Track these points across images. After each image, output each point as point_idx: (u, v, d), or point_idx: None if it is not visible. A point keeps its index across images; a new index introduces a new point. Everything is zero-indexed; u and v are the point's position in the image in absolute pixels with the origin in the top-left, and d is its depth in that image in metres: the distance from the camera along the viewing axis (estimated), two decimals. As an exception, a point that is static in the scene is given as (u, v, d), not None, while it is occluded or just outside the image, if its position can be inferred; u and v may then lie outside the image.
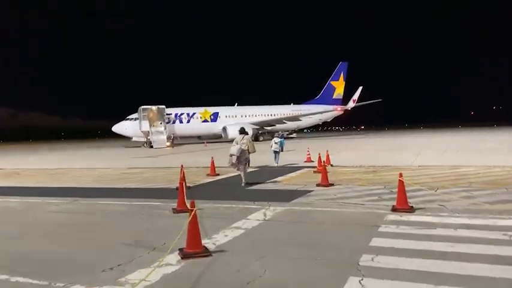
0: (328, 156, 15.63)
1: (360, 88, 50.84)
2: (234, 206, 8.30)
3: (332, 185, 10.47)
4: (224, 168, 16.05)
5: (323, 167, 10.65)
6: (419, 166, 14.26)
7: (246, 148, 11.20)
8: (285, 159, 19.85)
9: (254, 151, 11.57)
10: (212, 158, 14.45)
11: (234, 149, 11.12)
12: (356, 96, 50.62)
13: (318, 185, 10.47)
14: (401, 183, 7.27)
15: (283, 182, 11.56)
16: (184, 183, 7.71)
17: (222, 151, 30.99)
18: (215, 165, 14.75)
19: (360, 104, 50.47)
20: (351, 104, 50.39)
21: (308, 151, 18.44)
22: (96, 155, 33.38)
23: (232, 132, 42.74)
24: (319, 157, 13.68)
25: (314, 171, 13.56)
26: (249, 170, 15.13)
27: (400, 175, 7.32)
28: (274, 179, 12.30)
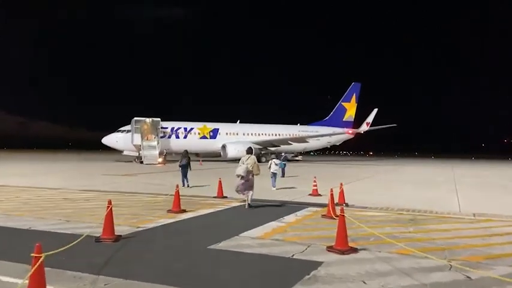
0: (342, 191, 11.37)
1: (375, 111, 46.68)
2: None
3: (354, 250, 6.17)
4: (197, 199, 11.80)
5: (341, 218, 6.32)
6: (475, 215, 9.90)
7: (251, 169, 10.40)
8: (285, 189, 15.61)
9: (258, 173, 10.74)
10: (177, 186, 10.15)
11: (240, 169, 10.31)
12: (370, 119, 46.38)
13: (330, 249, 6.19)
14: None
15: (274, 237, 7.26)
16: (40, 256, 3.52)
17: (216, 172, 26.86)
18: (186, 196, 10.60)
19: (373, 128, 46.20)
20: (364, 127, 46.07)
21: (314, 181, 14.17)
22: (72, 169, 29.30)
23: (232, 151, 38.79)
24: (331, 197, 9.32)
25: (323, 216, 9.27)
26: (234, 204, 11.09)
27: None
28: (262, 226, 8.04)
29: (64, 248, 4.93)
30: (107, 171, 25.03)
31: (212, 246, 6.35)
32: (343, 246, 6.14)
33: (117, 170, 26.27)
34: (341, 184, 11.77)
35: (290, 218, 9.06)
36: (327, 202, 9.51)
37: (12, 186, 14.95)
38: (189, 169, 16.25)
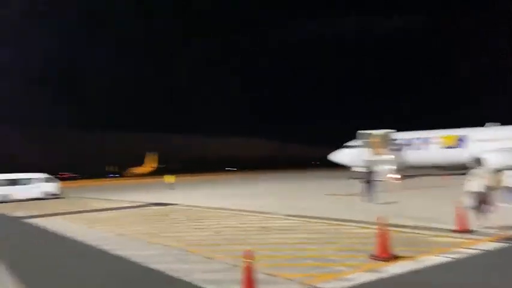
0: None
1: None
2: None
3: None
4: (423, 235, 7.95)
5: None
6: None
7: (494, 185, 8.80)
8: None
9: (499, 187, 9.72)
10: (381, 219, 6.70)
11: (475, 184, 8.64)
12: None
13: None
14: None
15: None
16: None
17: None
18: (407, 227, 7.05)
19: None
20: None
21: None
22: (296, 188, 28.72)
23: (493, 162, 30.17)
24: None
25: None
26: (482, 246, 7.09)
27: None
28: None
29: None
30: (334, 191, 22.85)
31: None
32: None
33: (345, 189, 23.88)
34: None
35: None
36: None
37: (225, 209, 14.68)
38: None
